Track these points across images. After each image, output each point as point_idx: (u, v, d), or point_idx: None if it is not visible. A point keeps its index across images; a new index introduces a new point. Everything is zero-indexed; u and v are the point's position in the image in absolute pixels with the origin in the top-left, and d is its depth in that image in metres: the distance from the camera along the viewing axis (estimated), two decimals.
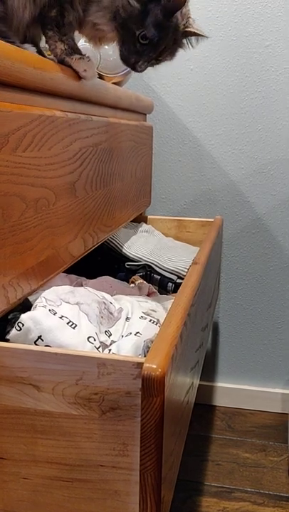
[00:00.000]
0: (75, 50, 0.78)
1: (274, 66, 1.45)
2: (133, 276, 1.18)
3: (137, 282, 1.14)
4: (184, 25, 0.82)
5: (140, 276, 1.20)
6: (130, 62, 0.81)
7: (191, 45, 0.86)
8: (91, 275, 1.10)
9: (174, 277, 1.21)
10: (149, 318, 0.75)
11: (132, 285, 1.13)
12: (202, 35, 0.84)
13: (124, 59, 0.81)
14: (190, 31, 0.83)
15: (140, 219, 1.50)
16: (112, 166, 1.03)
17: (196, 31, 0.83)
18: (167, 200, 1.59)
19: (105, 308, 0.75)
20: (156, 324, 0.75)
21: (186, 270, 1.12)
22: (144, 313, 0.77)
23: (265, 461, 1.38)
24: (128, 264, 1.24)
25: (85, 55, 0.79)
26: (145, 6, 0.76)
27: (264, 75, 1.46)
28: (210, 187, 1.55)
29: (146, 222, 1.51)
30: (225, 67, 1.48)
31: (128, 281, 1.16)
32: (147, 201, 1.45)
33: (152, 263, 1.23)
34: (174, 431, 0.66)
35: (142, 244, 1.31)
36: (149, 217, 1.53)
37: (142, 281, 1.16)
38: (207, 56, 1.48)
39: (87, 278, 1.08)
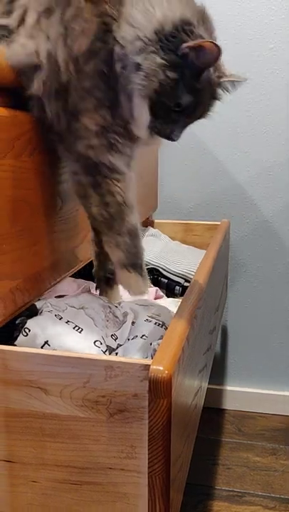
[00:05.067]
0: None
1: (278, 68, 1.45)
2: None
3: None
4: (218, 76, 0.71)
5: None
6: (166, 134, 0.71)
7: (228, 91, 0.74)
8: None
9: (182, 281, 1.21)
10: (154, 321, 0.75)
11: None
12: (239, 81, 0.73)
13: (158, 132, 0.71)
14: (226, 81, 0.72)
15: (147, 223, 1.51)
16: None
17: (232, 79, 0.73)
18: (174, 204, 1.59)
19: (110, 312, 0.75)
20: (161, 327, 0.75)
21: (194, 273, 1.12)
22: (149, 316, 0.78)
23: (276, 465, 1.37)
24: None
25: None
26: (181, 72, 0.65)
27: (268, 77, 1.46)
28: (216, 190, 1.55)
29: (153, 227, 1.51)
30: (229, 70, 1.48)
31: None
32: (154, 205, 1.45)
33: (159, 267, 1.24)
34: (183, 433, 0.66)
35: (148, 248, 1.32)
36: (155, 221, 1.53)
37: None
38: None
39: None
